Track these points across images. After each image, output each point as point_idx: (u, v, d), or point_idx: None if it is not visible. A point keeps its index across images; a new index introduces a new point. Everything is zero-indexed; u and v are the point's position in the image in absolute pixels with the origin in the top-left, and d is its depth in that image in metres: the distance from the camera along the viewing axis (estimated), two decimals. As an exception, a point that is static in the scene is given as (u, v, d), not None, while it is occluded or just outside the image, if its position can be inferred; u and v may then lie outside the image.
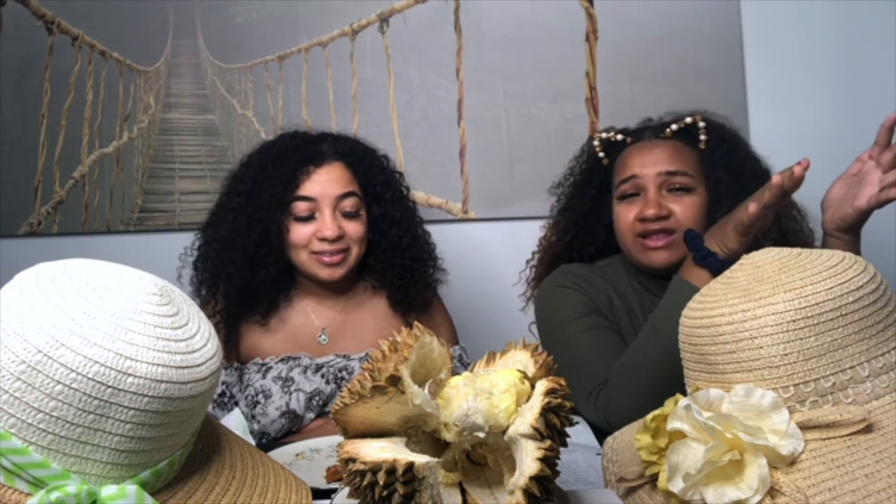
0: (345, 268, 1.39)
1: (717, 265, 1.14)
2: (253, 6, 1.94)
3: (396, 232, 1.45)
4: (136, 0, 1.95)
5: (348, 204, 1.39)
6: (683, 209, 1.29)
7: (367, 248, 1.44)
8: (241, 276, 1.37)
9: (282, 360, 1.39)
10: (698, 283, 1.12)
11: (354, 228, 1.39)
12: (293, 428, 1.37)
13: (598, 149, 1.41)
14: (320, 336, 1.44)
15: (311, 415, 1.37)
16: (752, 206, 1.11)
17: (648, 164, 1.31)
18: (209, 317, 1.38)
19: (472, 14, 1.91)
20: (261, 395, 1.35)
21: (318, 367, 1.39)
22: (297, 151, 1.40)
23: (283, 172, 1.37)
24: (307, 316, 1.45)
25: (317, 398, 1.36)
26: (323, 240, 1.36)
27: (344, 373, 1.39)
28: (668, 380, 1.16)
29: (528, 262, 1.50)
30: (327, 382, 1.38)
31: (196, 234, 1.46)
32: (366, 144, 1.49)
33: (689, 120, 1.35)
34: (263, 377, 1.37)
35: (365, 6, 1.93)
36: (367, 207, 1.44)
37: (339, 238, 1.37)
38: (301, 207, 1.37)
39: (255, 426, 1.34)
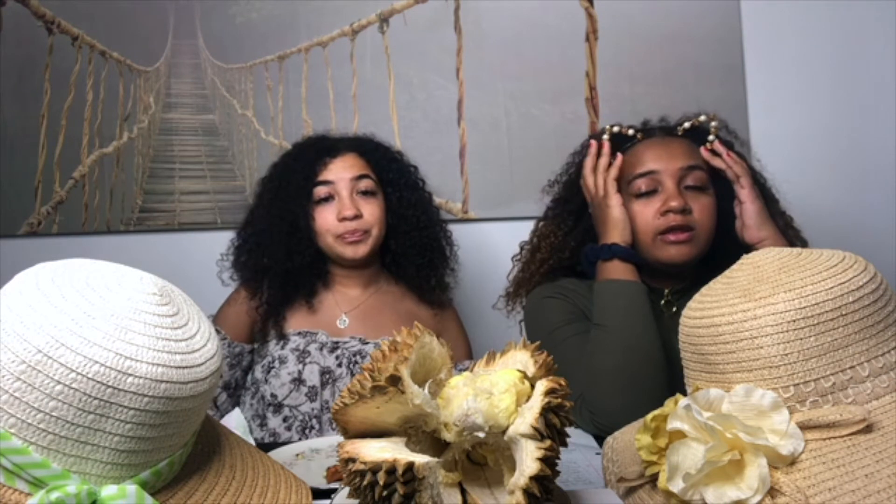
0: (367, 245, 1.47)
1: (623, 252, 1.26)
2: (253, 6, 1.94)
3: (413, 213, 1.54)
4: (136, 0, 1.95)
5: (363, 184, 1.48)
6: (701, 208, 1.28)
7: (388, 233, 1.53)
8: (280, 264, 1.47)
9: (299, 333, 1.46)
10: (623, 276, 1.25)
11: (371, 209, 1.48)
12: (311, 401, 1.40)
13: (606, 141, 1.39)
14: (340, 320, 1.50)
15: (329, 395, 1.42)
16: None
17: (666, 159, 1.29)
18: (236, 303, 1.49)
19: (472, 14, 1.91)
20: (276, 361, 1.43)
21: (335, 346, 1.45)
22: (315, 146, 1.53)
23: (304, 166, 1.49)
24: (331, 299, 1.52)
25: (327, 375, 1.42)
26: (343, 220, 1.44)
27: (358, 357, 1.45)
28: (635, 371, 1.17)
29: (513, 257, 1.49)
30: (339, 365, 1.43)
31: (232, 240, 1.55)
32: (379, 140, 1.60)
33: (703, 118, 1.34)
34: (282, 348, 1.44)
35: (365, 6, 1.93)
36: (385, 193, 1.53)
37: (357, 217, 1.45)
38: (321, 191, 1.46)
39: (266, 388, 1.41)
